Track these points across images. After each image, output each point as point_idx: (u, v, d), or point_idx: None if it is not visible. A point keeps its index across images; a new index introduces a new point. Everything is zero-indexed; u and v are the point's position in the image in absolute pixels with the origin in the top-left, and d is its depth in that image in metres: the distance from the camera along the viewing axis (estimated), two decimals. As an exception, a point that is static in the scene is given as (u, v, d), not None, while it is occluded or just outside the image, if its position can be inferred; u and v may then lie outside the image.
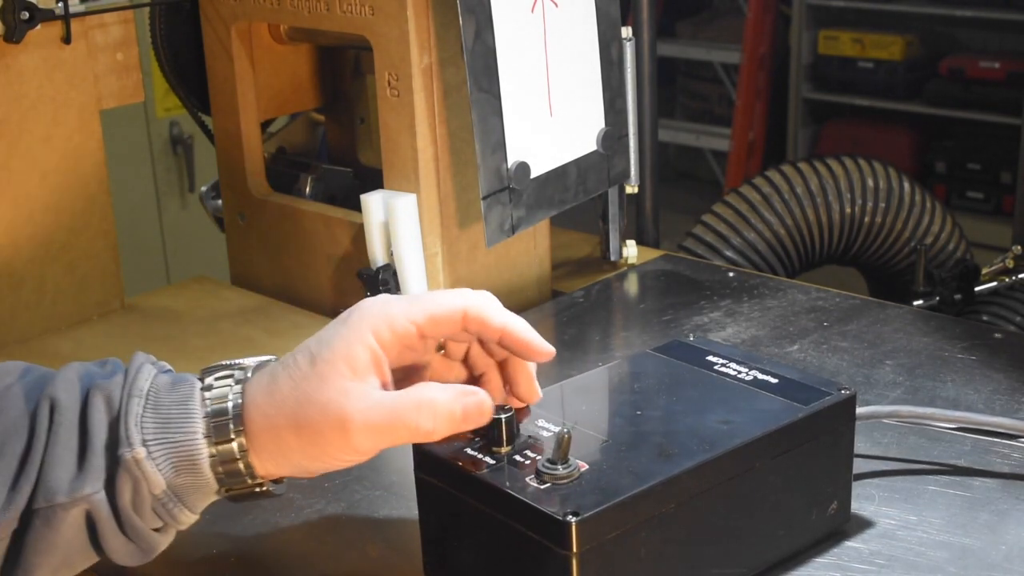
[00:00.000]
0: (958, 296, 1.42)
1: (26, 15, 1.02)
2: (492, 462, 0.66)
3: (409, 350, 0.68)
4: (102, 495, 0.63)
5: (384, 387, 0.66)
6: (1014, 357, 0.97)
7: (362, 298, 1.04)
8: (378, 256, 1.05)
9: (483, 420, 0.66)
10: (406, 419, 0.64)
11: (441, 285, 1.07)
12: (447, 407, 0.65)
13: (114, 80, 1.14)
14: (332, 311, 1.13)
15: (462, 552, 0.68)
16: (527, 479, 0.64)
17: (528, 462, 0.66)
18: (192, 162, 2.88)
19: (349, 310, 0.68)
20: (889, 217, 1.60)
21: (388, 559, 0.76)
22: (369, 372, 0.65)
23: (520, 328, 0.70)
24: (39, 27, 1.04)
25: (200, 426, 0.65)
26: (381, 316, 0.67)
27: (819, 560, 0.72)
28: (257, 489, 0.67)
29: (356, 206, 1.06)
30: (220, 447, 0.65)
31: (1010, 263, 1.45)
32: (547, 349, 0.70)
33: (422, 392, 0.65)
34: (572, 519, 0.60)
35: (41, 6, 1.04)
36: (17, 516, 0.63)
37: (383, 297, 0.69)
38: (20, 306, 1.10)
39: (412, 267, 1.04)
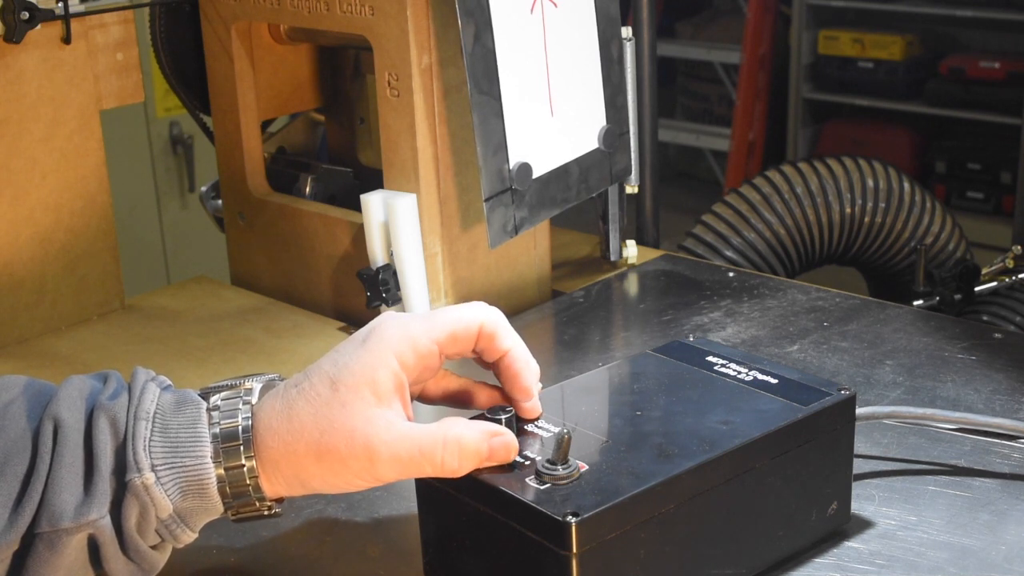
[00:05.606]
0: (958, 296, 1.42)
1: (26, 15, 1.02)
2: (492, 462, 0.66)
3: (428, 369, 0.69)
4: (107, 520, 0.62)
5: (405, 409, 0.66)
6: (1014, 357, 0.97)
7: (362, 298, 1.05)
8: (378, 256, 1.05)
9: (509, 459, 0.66)
10: (432, 457, 0.64)
11: (441, 285, 1.07)
12: (474, 447, 0.65)
13: (114, 80, 1.14)
14: (332, 311, 1.14)
15: (462, 553, 0.68)
16: (527, 480, 0.64)
17: (528, 463, 0.66)
18: (192, 162, 2.88)
19: (366, 331, 0.67)
20: (889, 217, 1.60)
21: (388, 559, 0.76)
22: (393, 398, 0.65)
23: (520, 357, 0.70)
24: (39, 27, 1.04)
25: (209, 450, 0.64)
26: (403, 338, 0.66)
27: (819, 560, 0.72)
28: (266, 512, 0.67)
29: (356, 206, 1.06)
30: (230, 471, 0.64)
31: (1010, 263, 1.45)
32: (530, 391, 0.70)
33: (449, 430, 0.65)
34: (572, 520, 0.60)
35: (41, 6, 1.04)
36: (19, 538, 0.62)
37: (399, 316, 0.68)
38: (20, 306, 1.10)
39: (412, 267, 1.04)
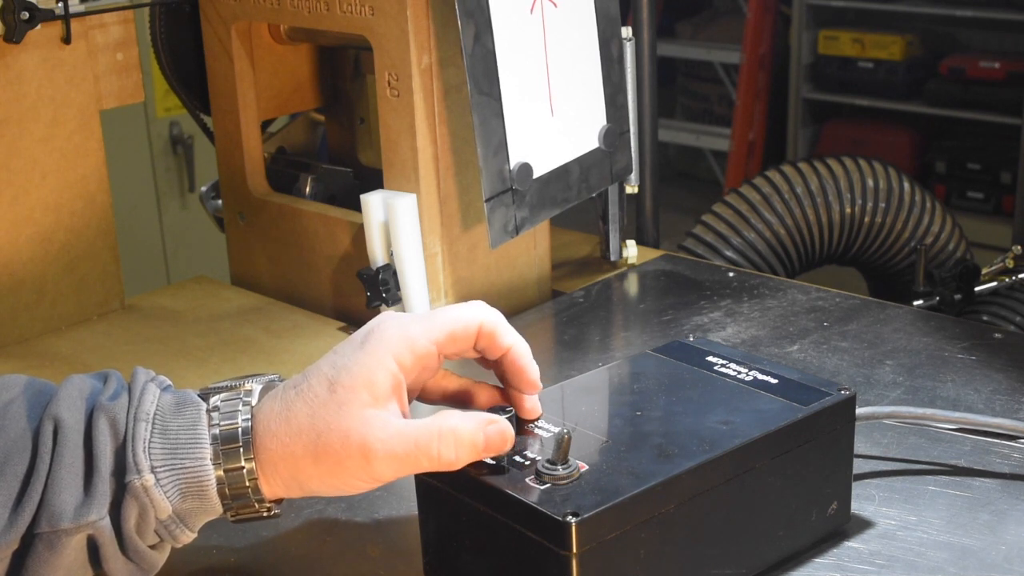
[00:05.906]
0: (958, 296, 1.42)
1: (26, 15, 1.02)
2: (492, 463, 0.66)
3: (427, 370, 0.69)
4: (107, 521, 0.62)
5: (402, 409, 0.66)
6: (1014, 357, 0.97)
7: (362, 298, 1.05)
8: (378, 256, 1.05)
9: (505, 448, 0.66)
10: (428, 449, 0.64)
11: (441, 285, 1.07)
12: (470, 437, 0.64)
13: (114, 80, 1.14)
14: (332, 311, 1.14)
15: (462, 553, 0.68)
16: (527, 480, 0.64)
17: (528, 463, 0.66)
18: (192, 162, 2.88)
19: (364, 331, 0.67)
20: (889, 217, 1.60)
21: (388, 559, 0.76)
22: (390, 398, 0.65)
23: (524, 353, 0.70)
24: (39, 27, 1.04)
25: (208, 451, 0.64)
26: (402, 339, 0.66)
27: (819, 560, 0.72)
28: (265, 513, 0.67)
29: (356, 206, 1.06)
30: (229, 473, 0.64)
31: (1010, 263, 1.45)
32: (537, 383, 0.70)
33: (444, 421, 0.65)
34: (572, 520, 0.60)
35: (41, 6, 1.04)
36: (19, 538, 0.62)
37: (398, 317, 0.68)
38: (20, 306, 1.10)
39: (412, 267, 1.04)
